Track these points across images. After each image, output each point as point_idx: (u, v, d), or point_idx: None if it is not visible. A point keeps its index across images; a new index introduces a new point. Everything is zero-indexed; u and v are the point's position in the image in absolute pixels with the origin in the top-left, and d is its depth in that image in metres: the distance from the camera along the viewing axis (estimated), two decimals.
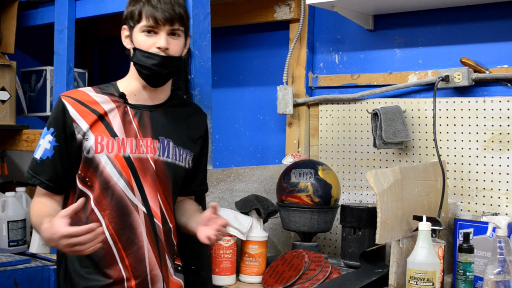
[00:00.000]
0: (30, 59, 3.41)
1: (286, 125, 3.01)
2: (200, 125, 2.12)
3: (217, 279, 2.30)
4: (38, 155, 1.94)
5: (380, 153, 2.69)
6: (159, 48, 1.92)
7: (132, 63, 1.98)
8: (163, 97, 2.03)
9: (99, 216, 1.90)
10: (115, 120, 1.94)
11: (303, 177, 2.44)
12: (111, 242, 1.91)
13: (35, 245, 2.77)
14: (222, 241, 2.29)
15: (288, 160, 2.76)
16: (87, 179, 1.92)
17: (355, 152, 2.78)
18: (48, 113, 3.05)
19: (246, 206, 2.39)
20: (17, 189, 2.94)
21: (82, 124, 1.90)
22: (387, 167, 2.50)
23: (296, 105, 2.93)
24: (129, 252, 1.92)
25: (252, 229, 2.34)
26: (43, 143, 1.93)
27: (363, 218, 2.37)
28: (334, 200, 2.46)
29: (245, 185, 2.55)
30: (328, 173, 2.48)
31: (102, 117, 1.93)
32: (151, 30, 1.92)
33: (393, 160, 2.67)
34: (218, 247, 2.30)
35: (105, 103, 1.94)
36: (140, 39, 1.93)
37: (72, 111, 1.91)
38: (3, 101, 2.87)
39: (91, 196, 1.91)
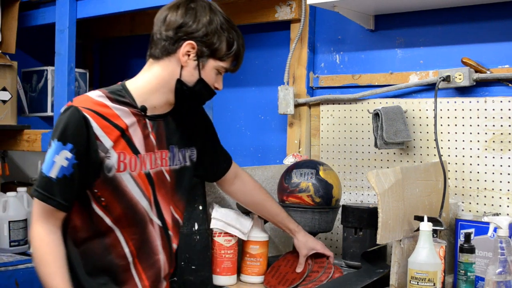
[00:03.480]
0: (31, 59, 3.41)
1: (287, 125, 3.01)
2: (198, 116, 2.12)
3: (218, 279, 2.30)
4: (53, 173, 1.75)
5: (381, 153, 2.69)
6: (216, 88, 1.95)
7: (169, 77, 1.89)
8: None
9: (118, 233, 1.86)
10: (136, 135, 1.86)
11: (304, 177, 2.44)
12: (130, 259, 1.87)
13: None
14: (223, 241, 2.29)
15: (289, 160, 2.76)
16: (103, 199, 1.82)
17: (356, 152, 2.78)
18: (49, 113, 3.06)
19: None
20: (18, 189, 2.95)
21: (106, 141, 1.79)
22: (388, 167, 2.50)
23: (297, 105, 2.93)
24: (145, 266, 1.90)
25: (253, 229, 2.34)
26: (59, 160, 1.75)
27: (364, 218, 2.37)
28: (335, 200, 2.46)
29: None
30: (329, 173, 2.47)
31: (124, 133, 1.82)
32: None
33: (394, 160, 2.67)
34: (219, 247, 2.30)
35: (125, 116, 1.83)
36: (212, 75, 1.91)
37: (96, 128, 1.77)
38: (4, 101, 2.88)
39: (105, 215, 1.83)
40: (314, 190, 2.41)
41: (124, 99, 1.85)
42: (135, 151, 1.85)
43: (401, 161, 2.65)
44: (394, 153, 2.66)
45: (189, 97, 1.92)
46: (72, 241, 1.86)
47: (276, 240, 2.65)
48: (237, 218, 2.31)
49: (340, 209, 2.49)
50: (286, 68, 2.94)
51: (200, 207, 2.28)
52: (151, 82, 1.90)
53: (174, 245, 2.01)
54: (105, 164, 1.79)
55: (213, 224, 2.29)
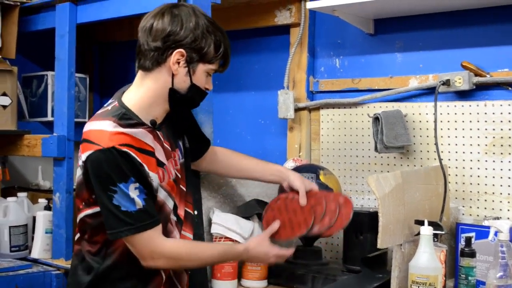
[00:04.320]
0: (31, 64, 3.41)
1: (287, 130, 3.01)
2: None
3: (219, 284, 2.29)
4: (138, 204, 1.81)
5: (382, 157, 2.69)
6: (207, 89, 1.97)
7: (162, 88, 1.91)
8: None
9: None
10: (158, 150, 1.92)
11: None
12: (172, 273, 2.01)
13: (37, 250, 2.77)
14: None
15: (289, 165, 2.76)
16: None
17: (357, 156, 2.78)
18: (49, 118, 3.06)
19: (247, 211, 2.39)
20: (19, 194, 2.95)
21: (145, 168, 1.84)
22: (388, 171, 2.50)
23: (297, 110, 2.93)
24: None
25: (254, 234, 2.33)
26: (133, 193, 1.80)
27: (364, 222, 2.37)
28: None
29: (246, 190, 2.55)
30: (329, 178, 2.47)
31: (153, 154, 1.88)
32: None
33: (395, 164, 2.67)
34: None
35: (144, 137, 1.87)
36: (203, 78, 1.93)
37: (136, 159, 1.82)
38: (4, 106, 2.87)
39: None
40: None
41: (132, 121, 1.87)
42: (161, 164, 1.92)
43: (401, 165, 2.65)
44: (394, 157, 2.66)
45: (183, 103, 1.96)
46: (103, 254, 1.93)
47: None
48: (238, 223, 2.31)
49: None
50: (286, 73, 2.94)
51: (195, 212, 2.28)
52: (148, 96, 1.91)
53: (190, 236, 2.08)
54: (152, 187, 1.87)
55: (214, 229, 2.29)
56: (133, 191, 1.80)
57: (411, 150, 2.62)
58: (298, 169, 2.51)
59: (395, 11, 2.61)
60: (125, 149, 1.80)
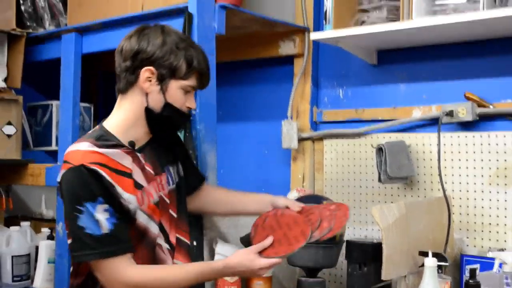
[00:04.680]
0: (36, 94, 3.43)
1: (291, 160, 3.01)
2: (173, 136, 2.13)
3: None
4: (104, 229, 1.75)
5: (385, 188, 2.69)
6: (189, 108, 1.93)
7: (139, 108, 1.89)
8: None
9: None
10: (136, 172, 1.87)
11: None
12: None
13: (39, 280, 2.76)
14: (226, 277, 2.27)
15: (293, 195, 2.76)
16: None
17: (360, 187, 2.77)
18: (54, 147, 3.07)
19: (251, 241, 2.37)
20: (22, 223, 2.94)
21: (118, 188, 1.80)
22: (392, 202, 2.49)
23: (300, 140, 2.93)
24: None
25: None
26: (100, 216, 1.75)
27: (368, 253, 2.35)
28: (339, 235, 2.45)
29: (250, 220, 2.53)
30: None
31: (128, 175, 1.84)
32: (191, 91, 1.91)
33: (398, 195, 2.66)
34: (223, 283, 2.28)
35: (122, 158, 1.84)
36: (178, 96, 1.89)
37: (107, 178, 1.78)
38: (9, 136, 2.88)
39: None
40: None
41: (110, 142, 1.86)
42: (139, 187, 1.86)
43: (405, 196, 2.64)
44: (398, 188, 2.66)
45: (161, 123, 1.92)
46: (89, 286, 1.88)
47: (280, 276, 2.64)
48: None
49: (344, 244, 2.47)
50: (290, 103, 2.95)
51: (195, 243, 2.26)
52: (126, 118, 1.91)
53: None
54: (128, 209, 1.81)
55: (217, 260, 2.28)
56: (101, 213, 1.75)
57: (414, 181, 2.61)
58: (301, 199, 2.50)
59: (398, 42, 2.63)
60: (95, 167, 1.77)
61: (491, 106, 2.44)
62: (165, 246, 1.94)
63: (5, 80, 2.95)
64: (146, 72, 1.86)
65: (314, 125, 2.95)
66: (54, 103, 3.09)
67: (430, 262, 1.95)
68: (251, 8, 2.68)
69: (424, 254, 2.00)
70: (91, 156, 1.79)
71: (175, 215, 2.00)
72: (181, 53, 1.87)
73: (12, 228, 2.83)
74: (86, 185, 1.76)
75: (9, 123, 2.89)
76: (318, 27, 2.89)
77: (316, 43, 2.94)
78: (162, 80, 1.87)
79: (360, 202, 2.77)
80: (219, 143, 2.48)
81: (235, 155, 3.25)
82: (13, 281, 2.75)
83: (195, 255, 2.14)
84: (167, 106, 1.88)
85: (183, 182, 2.09)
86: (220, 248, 2.29)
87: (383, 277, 1.95)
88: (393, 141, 2.58)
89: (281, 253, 1.94)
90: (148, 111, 1.89)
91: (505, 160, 2.40)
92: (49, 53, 2.99)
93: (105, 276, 1.79)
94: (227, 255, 2.26)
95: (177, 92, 1.89)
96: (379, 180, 2.57)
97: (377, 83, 2.78)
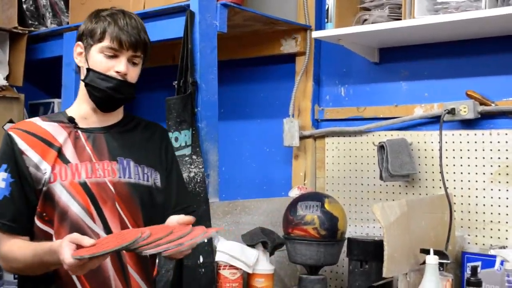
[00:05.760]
0: (38, 92, 3.43)
1: (292, 158, 3.01)
2: (162, 141, 2.02)
3: None
4: None
5: (387, 185, 2.69)
6: (117, 72, 1.85)
7: (83, 85, 1.88)
8: (115, 119, 1.94)
9: None
10: (68, 147, 1.84)
11: (310, 210, 2.43)
12: (74, 276, 1.76)
13: None
14: (228, 274, 2.28)
15: (294, 193, 2.76)
16: (45, 214, 1.80)
17: (362, 184, 2.78)
18: None
19: (252, 239, 2.38)
20: None
21: (32, 155, 1.80)
22: (393, 200, 2.49)
23: (302, 138, 2.94)
24: (94, 286, 1.80)
25: (258, 262, 2.32)
26: None
27: (370, 251, 2.36)
28: (340, 233, 2.45)
29: (252, 217, 2.55)
30: (334, 206, 2.47)
31: (53, 146, 1.82)
32: (112, 53, 1.84)
33: (400, 193, 2.66)
34: (225, 280, 2.28)
35: (55, 130, 1.84)
36: (98, 59, 1.84)
37: (21, 143, 1.80)
38: None
39: (50, 229, 1.80)
40: (320, 222, 2.41)
41: (57, 118, 1.90)
42: (65, 161, 1.82)
43: (406, 193, 2.64)
44: (400, 186, 2.66)
45: (92, 92, 1.86)
46: None
47: (281, 273, 2.64)
48: (242, 251, 2.30)
49: (346, 241, 2.48)
50: (291, 101, 2.95)
51: (205, 240, 2.27)
52: (77, 97, 1.94)
53: (130, 263, 1.86)
54: (38, 178, 1.79)
55: (218, 257, 2.28)
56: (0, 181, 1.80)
57: (416, 179, 2.61)
58: (303, 197, 2.51)
59: (399, 40, 2.63)
60: (12, 131, 1.83)
61: (493, 104, 2.44)
62: (103, 235, 1.79)
63: (7, 78, 2.96)
64: (77, 48, 1.91)
65: (316, 123, 2.96)
66: (56, 101, 3.10)
67: (432, 260, 1.95)
68: (252, 6, 2.69)
69: (426, 251, 2.00)
70: (23, 124, 1.88)
71: (121, 212, 1.85)
72: (101, 20, 1.87)
73: None
74: (1, 149, 1.84)
75: (11, 121, 2.89)
76: (320, 25, 2.89)
77: (318, 41, 2.94)
78: (87, 49, 1.88)
79: (362, 199, 2.77)
80: (221, 141, 2.49)
81: (237, 153, 3.25)
82: (15, 278, 2.75)
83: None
84: (89, 71, 1.86)
85: (155, 189, 1.93)
86: (221, 245, 2.30)
87: (384, 275, 1.95)
88: (395, 139, 2.59)
89: (87, 253, 1.62)
90: (85, 85, 1.88)
91: (507, 158, 2.40)
92: (51, 51, 3.00)
93: None
94: (228, 252, 2.27)
95: (97, 56, 1.85)
96: (381, 178, 2.57)
97: (379, 81, 2.79)
